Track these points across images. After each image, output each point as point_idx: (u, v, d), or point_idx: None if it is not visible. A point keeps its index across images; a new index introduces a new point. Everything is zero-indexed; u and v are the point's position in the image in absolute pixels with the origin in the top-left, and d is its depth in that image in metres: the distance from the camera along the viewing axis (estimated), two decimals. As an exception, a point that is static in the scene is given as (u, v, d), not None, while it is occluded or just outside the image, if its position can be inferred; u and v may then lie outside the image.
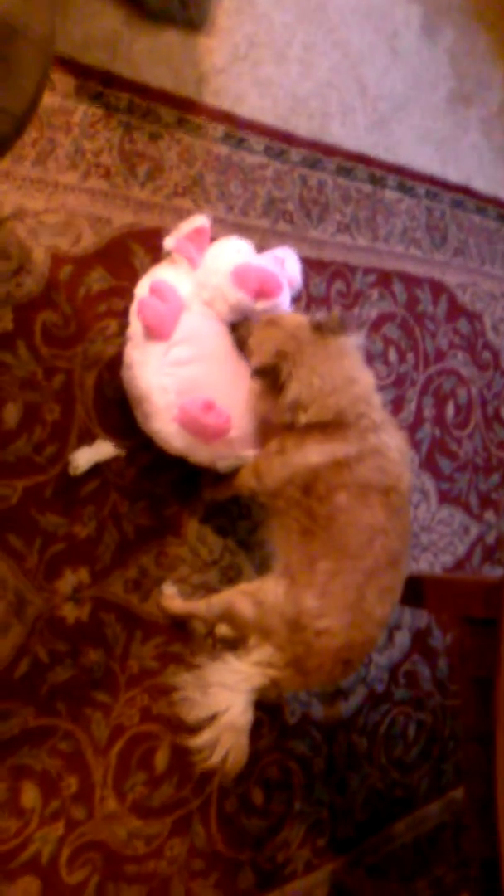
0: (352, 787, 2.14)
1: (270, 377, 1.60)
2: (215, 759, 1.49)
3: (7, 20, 1.06)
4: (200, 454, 1.69)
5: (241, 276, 1.70)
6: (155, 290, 1.64)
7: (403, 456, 1.63)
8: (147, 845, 1.72)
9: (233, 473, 1.74)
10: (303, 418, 1.58)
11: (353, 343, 1.65)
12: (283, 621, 1.55)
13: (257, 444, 1.71)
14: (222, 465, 1.72)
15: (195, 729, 1.51)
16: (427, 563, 2.40)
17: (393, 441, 1.61)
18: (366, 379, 1.64)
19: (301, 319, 1.68)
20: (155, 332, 1.62)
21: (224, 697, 1.50)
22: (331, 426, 1.57)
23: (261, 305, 1.74)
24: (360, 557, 1.54)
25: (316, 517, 1.57)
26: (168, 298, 1.63)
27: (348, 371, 1.61)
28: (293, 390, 1.57)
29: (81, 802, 1.64)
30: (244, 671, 1.54)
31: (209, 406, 1.63)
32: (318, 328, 1.63)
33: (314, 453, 1.57)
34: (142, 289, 1.67)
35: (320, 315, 1.69)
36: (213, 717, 1.49)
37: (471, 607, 1.73)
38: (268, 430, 1.70)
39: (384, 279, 2.29)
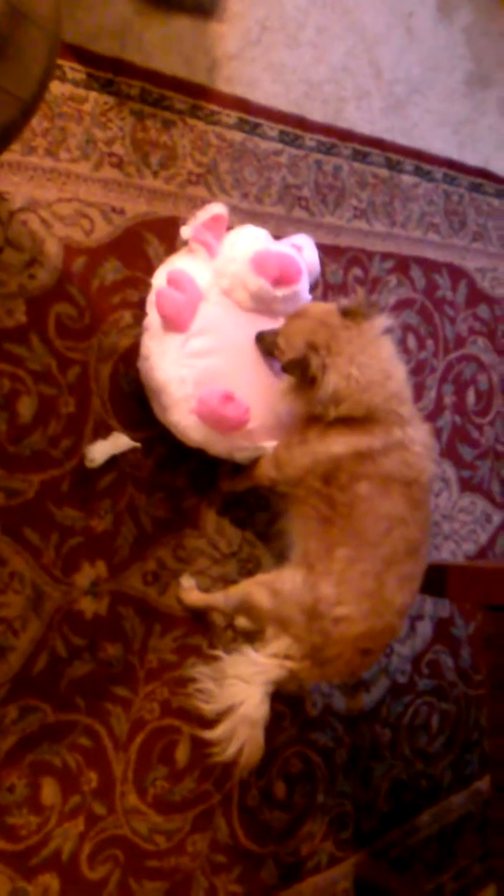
0: (375, 778, 2.13)
1: (301, 371, 1.55)
2: (230, 752, 1.48)
3: (12, 2, 1.04)
4: (218, 446, 1.68)
5: (260, 262, 1.67)
6: (173, 281, 1.62)
7: (427, 450, 1.60)
8: (168, 840, 1.72)
9: (251, 464, 1.72)
10: (332, 412, 1.54)
11: (385, 326, 1.60)
12: (301, 610, 1.53)
13: (276, 435, 1.69)
14: (240, 456, 1.70)
15: (212, 721, 1.50)
16: (449, 552, 2.38)
17: (418, 435, 1.59)
18: (400, 374, 1.60)
19: (328, 306, 1.64)
20: (173, 324, 1.60)
21: (240, 690, 1.50)
22: (358, 420, 1.55)
23: (281, 292, 1.71)
24: (378, 545, 1.53)
25: (335, 506, 1.55)
26: (186, 289, 1.61)
27: (385, 364, 1.57)
28: (330, 382, 1.52)
29: (102, 798, 1.64)
30: (261, 663, 1.53)
31: (228, 397, 1.61)
32: (348, 313, 1.58)
33: (338, 444, 1.55)
34: (159, 279, 1.65)
35: (345, 300, 1.65)
36: (228, 710, 1.49)
37: (493, 595, 1.72)
38: (289, 420, 1.68)
39: (402, 265, 2.26)
